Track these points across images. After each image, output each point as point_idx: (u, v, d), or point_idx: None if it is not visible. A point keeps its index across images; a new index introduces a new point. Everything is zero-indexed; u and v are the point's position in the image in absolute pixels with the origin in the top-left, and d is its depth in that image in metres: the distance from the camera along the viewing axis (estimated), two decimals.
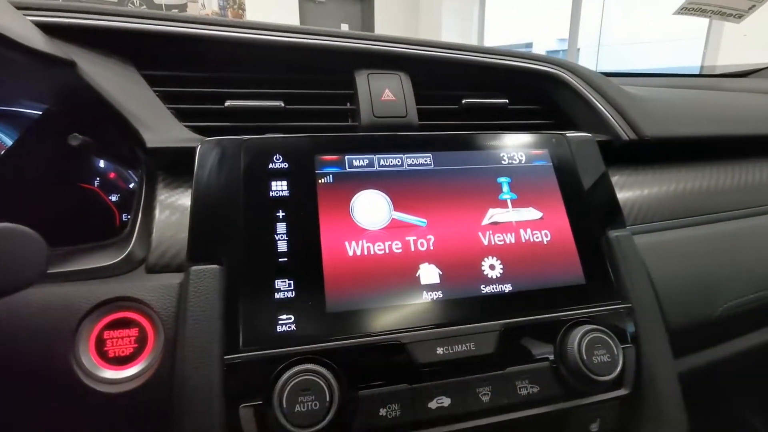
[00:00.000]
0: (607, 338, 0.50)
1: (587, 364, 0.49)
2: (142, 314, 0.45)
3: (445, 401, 0.47)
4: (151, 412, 0.44)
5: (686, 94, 0.85)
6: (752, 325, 0.69)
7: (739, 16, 1.22)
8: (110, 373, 0.44)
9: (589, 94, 0.68)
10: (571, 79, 0.68)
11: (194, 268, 0.45)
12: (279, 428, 0.40)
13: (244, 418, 0.41)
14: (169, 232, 0.49)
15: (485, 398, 0.48)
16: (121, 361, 0.44)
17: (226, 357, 0.42)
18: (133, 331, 0.45)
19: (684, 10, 1.21)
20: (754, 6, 1.18)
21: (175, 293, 0.45)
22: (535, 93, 0.71)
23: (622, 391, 0.53)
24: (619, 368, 0.50)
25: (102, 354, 0.44)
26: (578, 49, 5.07)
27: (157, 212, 0.50)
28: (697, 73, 2.14)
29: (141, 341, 0.45)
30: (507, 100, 0.68)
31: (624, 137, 0.67)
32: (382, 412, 0.45)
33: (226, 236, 0.46)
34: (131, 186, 0.65)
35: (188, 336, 0.43)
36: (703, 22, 3.67)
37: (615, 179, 0.67)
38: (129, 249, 0.48)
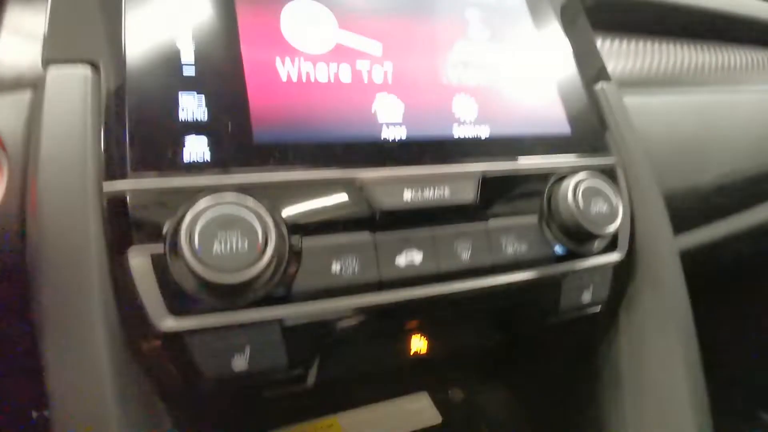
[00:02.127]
0: (603, 187, 0.41)
1: (585, 214, 0.39)
2: None
3: (417, 257, 0.35)
4: None
5: None
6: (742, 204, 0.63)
7: None
8: None
9: None
10: None
11: (53, 70, 0.30)
12: (188, 278, 0.28)
13: (137, 269, 0.28)
14: (18, 37, 0.33)
15: (465, 255, 0.37)
16: None
17: (106, 182, 0.29)
18: None
19: None
20: None
21: (24, 108, 0.31)
22: None
23: (616, 256, 0.44)
24: (619, 219, 0.40)
25: None
26: None
27: None
28: None
29: None
30: None
31: None
32: (335, 267, 0.33)
33: (103, 28, 0.32)
34: None
35: (44, 158, 0.29)
36: None
37: None
38: None
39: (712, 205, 0.59)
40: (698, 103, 0.61)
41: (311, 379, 0.37)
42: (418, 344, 0.43)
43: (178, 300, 0.28)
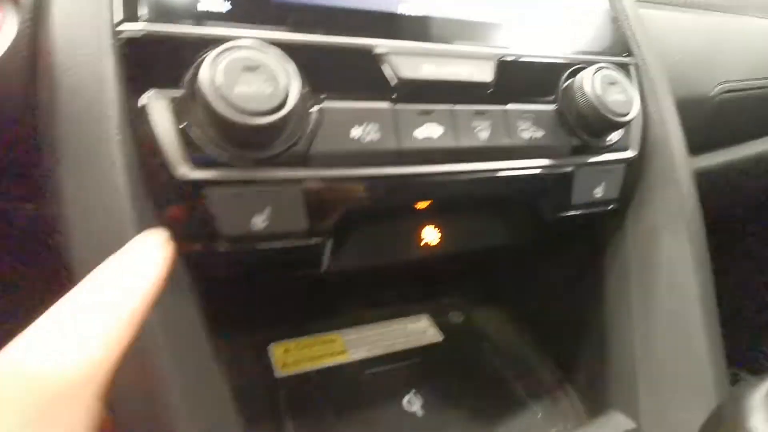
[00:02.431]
0: (619, 78, 0.41)
1: (602, 101, 0.39)
2: None
3: (436, 131, 0.35)
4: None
5: None
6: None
7: None
8: None
9: None
10: None
11: None
12: (209, 124, 0.27)
13: (155, 113, 0.27)
14: None
15: (483, 134, 0.36)
16: None
17: (122, 24, 0.27)
18: None
19: None
20: None
21: None
22: None
23: (629, 152, 0.44)
24: (635, 109, 0.40)
25: None
26: None
27: None
28: None
29: None
30: None
31: None
32: (355, 132, 0.32)
33: None
34: None
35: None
36: None
37: None
38: None
39: (717, 122, 0.59)
40: (707, 22, 0.61)
41: (325, 262, 0.37)
42: (430, 236, 0.42)
43: (197, 149, 0.27)
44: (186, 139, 0.27)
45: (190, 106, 0.27)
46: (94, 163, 0.26)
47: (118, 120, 0.27)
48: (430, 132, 0.34)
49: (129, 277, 0.20)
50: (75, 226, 0.26)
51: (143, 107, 0.27)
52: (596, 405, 0.49)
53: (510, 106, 0.38)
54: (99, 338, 0.18)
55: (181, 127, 0.27)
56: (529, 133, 0.38)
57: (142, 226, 0.26)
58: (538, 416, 0.52)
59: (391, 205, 0.36)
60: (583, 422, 0.49)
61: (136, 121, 0.27)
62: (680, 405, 0.42)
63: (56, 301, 0.19)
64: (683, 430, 0.41)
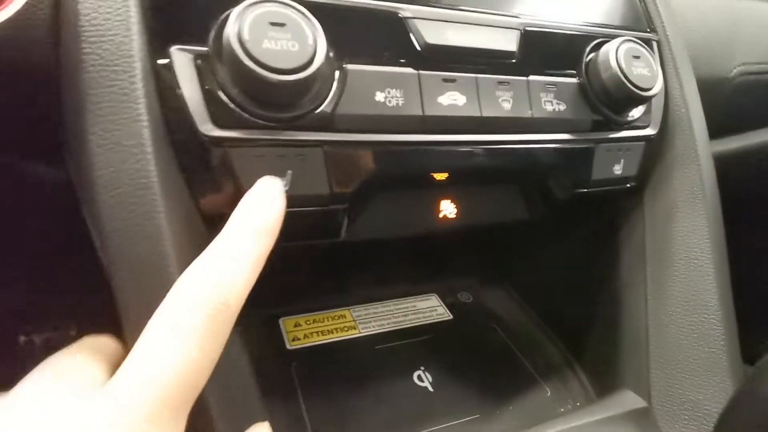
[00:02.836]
0: (643, 52, 0.40)
1: (627, 74, 0.38)
2: None
3: (459, 99, 0.34)
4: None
5: None
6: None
7: None
8: None
9: None
10: None
11: None
12: (233, 82, 0.26)
13: (180, 68, 0.26)
14: None
15: (506, 104, 0.36)
16: None
17: None
18: None
19: None
20: None
21: None
22: None
23: (650, 131, 0.44)
24: (659, 83, 0.39)
25: None
26: None
27: None
28: None
29: None
30: None
31: None
32: (380, 96, 0.31)
33: None
34: None
35: None
36: None
37: None
38: None
39: (735, 105, 0.58)
40: (728, 4, 0.60)
41: (343, 231, 0.37)
42: (446, 209, 0.42)
43: (220, 107, 0.27)
44: (210, 96, 0.27)
45: (215, 63, 0.27)
46: (119, 115, 0.26)
47: (143, 72, 0.26)
48: (453, 99, 0.34)
49: (266, 217, 0.25)
50: (99, 181, 0.25)
51: (168, 62, 0.26)
52: (606, 385, 0.49)
53: (532, 78, 0.37)
54: (247, 273, 0.23)
55: (205, 84, 0.27)
56: (551, 105, 0.38)
57: (165, 181, 0.26)
58: (548, 395, 0.51)
59: (412, 173, 0.35)
60: (592, 401, 0.49)
61: (161, 75, 0.27)
62: (693, 385, 0.42)
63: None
64: (696, 410, 0.40)
